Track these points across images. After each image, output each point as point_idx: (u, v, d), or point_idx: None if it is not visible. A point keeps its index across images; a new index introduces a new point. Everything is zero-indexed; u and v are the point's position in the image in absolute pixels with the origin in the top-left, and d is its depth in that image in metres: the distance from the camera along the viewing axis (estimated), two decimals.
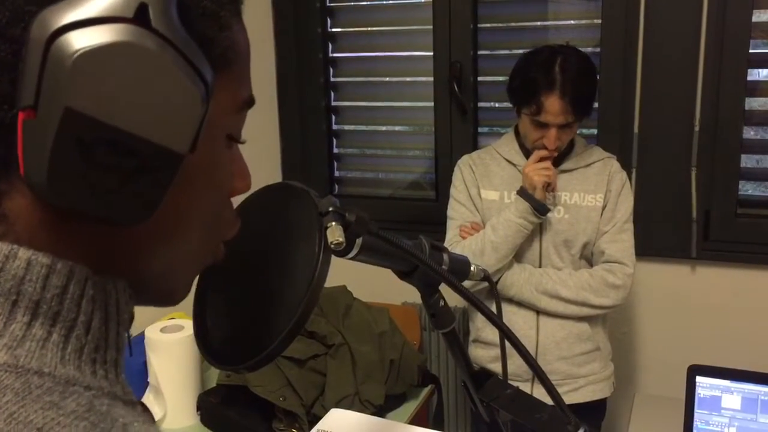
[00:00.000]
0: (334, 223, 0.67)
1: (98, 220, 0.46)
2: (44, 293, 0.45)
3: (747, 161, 2.31)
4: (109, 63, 0.41)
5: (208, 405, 1.86)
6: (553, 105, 1.85)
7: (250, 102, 0.54)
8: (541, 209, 1.91)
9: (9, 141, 0.43)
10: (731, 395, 1.66)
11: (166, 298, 0.57)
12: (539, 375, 0.83)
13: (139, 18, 0.41)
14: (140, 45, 0.41)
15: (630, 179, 2.07)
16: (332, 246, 0.66)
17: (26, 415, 0.41)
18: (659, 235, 2.35)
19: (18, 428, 0.40)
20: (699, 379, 1.68)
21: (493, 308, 0.87)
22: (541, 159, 1.92)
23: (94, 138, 0.42)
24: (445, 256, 0.89)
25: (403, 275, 0.87)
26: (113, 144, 0.42)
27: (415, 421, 1.92)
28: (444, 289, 0.91)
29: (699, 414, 1.68)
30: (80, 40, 0.40)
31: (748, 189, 2.35)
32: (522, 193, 1.93)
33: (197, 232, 0.53)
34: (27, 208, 0.45)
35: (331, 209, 0.67)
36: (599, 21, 2.36)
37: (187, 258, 0.55)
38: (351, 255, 0.74)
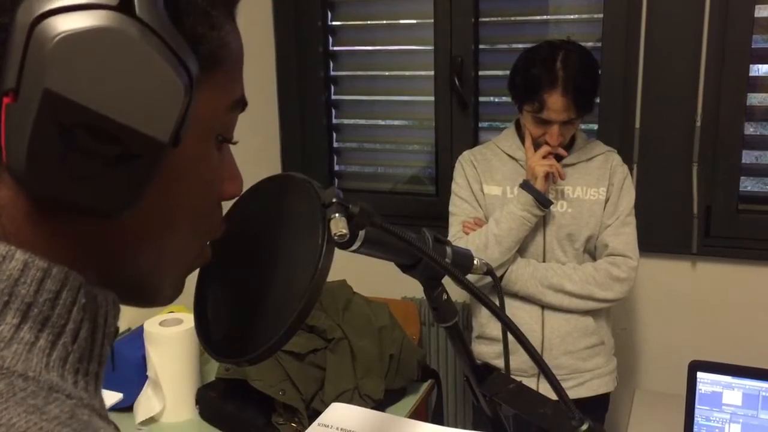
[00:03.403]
0: (337, 215, 0.65)
1: (80, 211, 0.45)
2: (37, 297, 0.44)
3: (746, 157, 2.30)
4: (90, 47, 0.41)
5: (207, 399, 1.86)
6: (555, 102, 1.84)
7: (241, 103, 0.54)
8: (543, 202, 1.90)
9: None
10: (732, 391, 1.65)
11: (151, 298, 0.56)
12: (542, 368, 0.82)
13: (124, 6, 0.42)
14: (122, 31, 0.42)
15: (631, 174, 2.07)
16: (335, 238, 0.65)
17: (9, 418, 0.40)
18: (660, 230, 2.35)
19: (1, 431, 0.39)
20: (700, 375, 1.68)
21: (497, 302, 0.86)
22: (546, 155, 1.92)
23: (74, 122, 0.41)
24: (449, 249, 0.88)
25: (406, 268, 0.86)
26: (93, 129, 0.42)
27: (414, 415, 1.91)
28: (446, 283, 0.90)
29: (700, 410, 1.68)
30: (63, 24, 0.40)
31: (747, 185, 2.35)
32: (525, 185, 1.92)
33: (184, 231, 0.53)
34: (12, 199, 0.45)
35: (334, 200, 0.66)
36: (601, 15, 2.35)
37: (172, 258, 0.54)
38: (354, 247, 0.73)
